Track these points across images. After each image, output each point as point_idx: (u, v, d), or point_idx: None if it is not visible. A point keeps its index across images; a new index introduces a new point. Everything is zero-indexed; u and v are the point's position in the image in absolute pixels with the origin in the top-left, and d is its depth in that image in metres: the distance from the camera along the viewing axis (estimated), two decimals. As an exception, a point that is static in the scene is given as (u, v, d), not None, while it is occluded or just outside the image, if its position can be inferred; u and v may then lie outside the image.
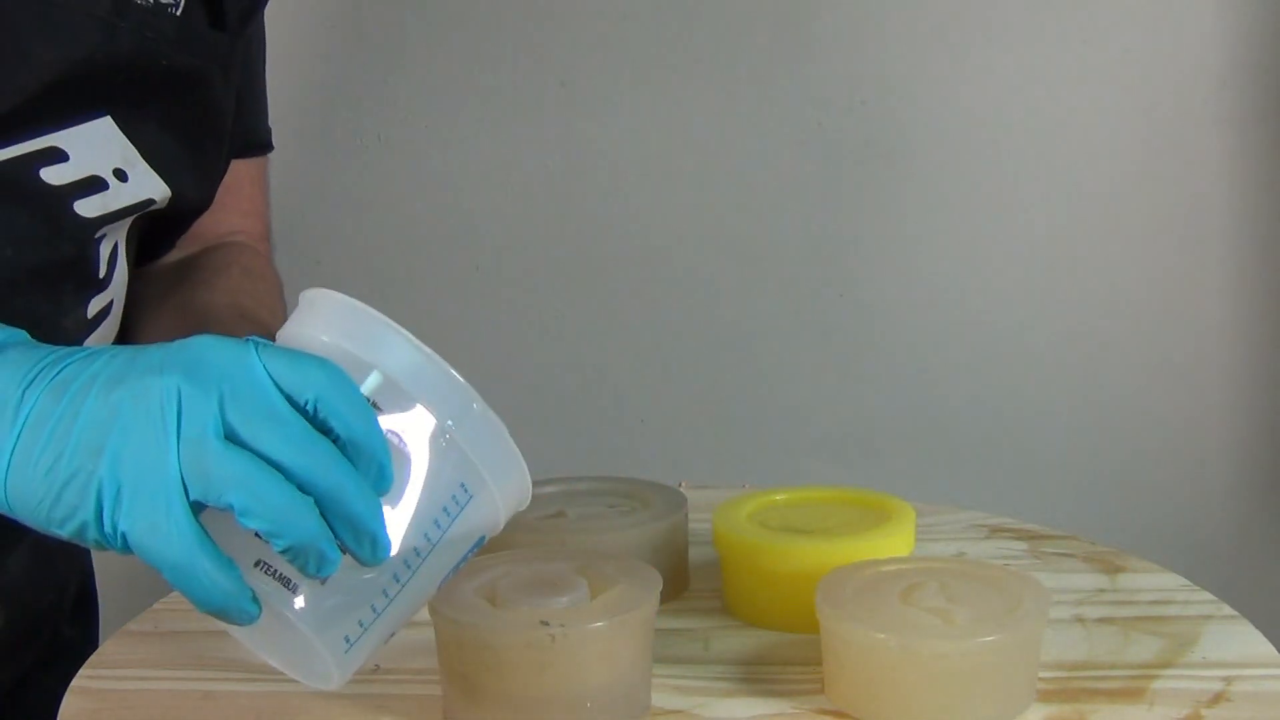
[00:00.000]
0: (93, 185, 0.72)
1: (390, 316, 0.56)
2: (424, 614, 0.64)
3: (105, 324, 0.77)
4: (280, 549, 0.50)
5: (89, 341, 0.76)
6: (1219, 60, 1.29)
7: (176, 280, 0.84)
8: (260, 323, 0.80)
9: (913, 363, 1.36)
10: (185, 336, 0.69)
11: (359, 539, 0.51)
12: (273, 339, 0.70)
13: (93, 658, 0.74)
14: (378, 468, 0.52)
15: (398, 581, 0.54)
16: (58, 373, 0.52)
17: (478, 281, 1.38)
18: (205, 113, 0.79)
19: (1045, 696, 0.67)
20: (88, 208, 0.72)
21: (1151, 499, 1.36)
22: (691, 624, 0.78)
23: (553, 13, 1.33)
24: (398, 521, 0.53)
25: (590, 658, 0.63)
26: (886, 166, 1.33)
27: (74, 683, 0.71)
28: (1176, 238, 1.33)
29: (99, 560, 0.99)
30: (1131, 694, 0.67)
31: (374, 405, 0.53)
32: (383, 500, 0.52)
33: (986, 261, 1.34)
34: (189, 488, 0.49)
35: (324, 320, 0.55)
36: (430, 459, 0.54)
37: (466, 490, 0.55)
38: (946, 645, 0.63)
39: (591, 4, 1.33)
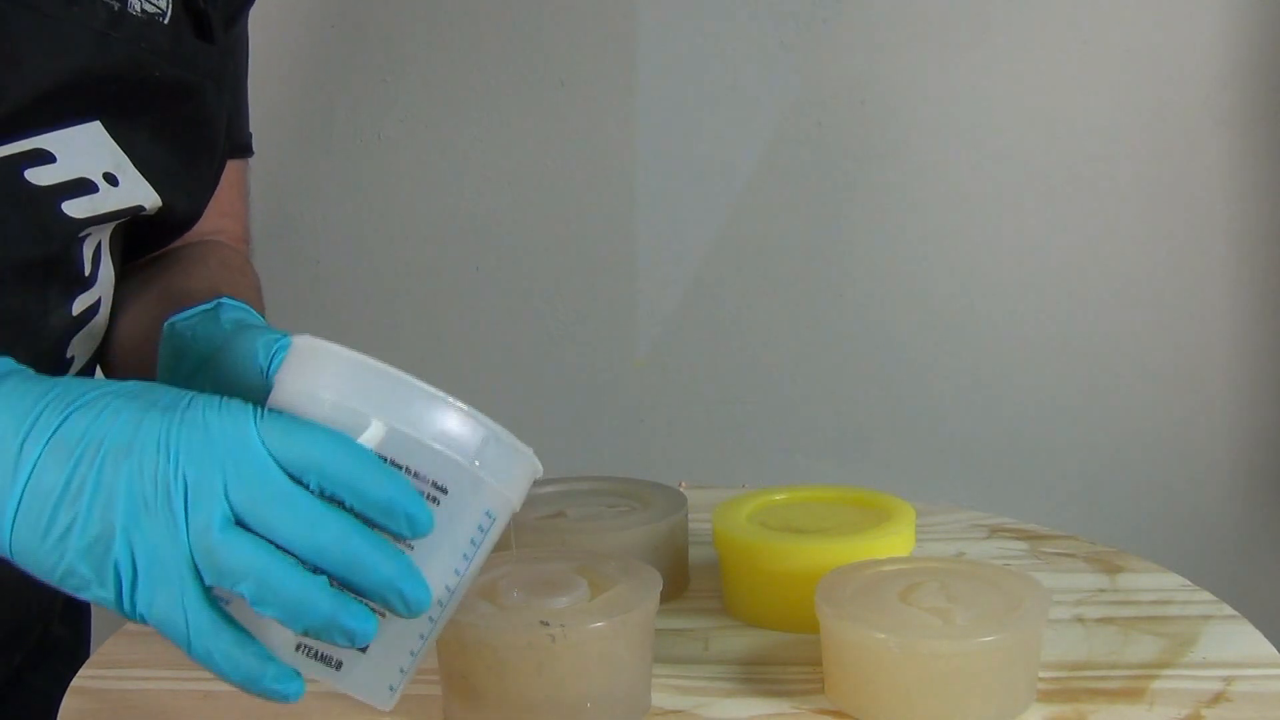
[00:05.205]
0: (81, 187, 0.72)
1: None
2: (424, 614, 0.64)
3: (93, 322, 0.77)
4: (299, 632, 0.51)
5: (77, 339, 0.76)
6: (1219, 60, 1.29)
7: (156, 271, 0.84)
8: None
9: (912, 362, 1.36)
10: (166, 318, 0.69)
11: (389, 601, 0.51)
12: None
13: (93, 657, 0.74)
14: (405, 520, 0.51)
15: (433, 622, 0.54)
16: (60, 425, 0.51)
17: (478, 281, 1.38)
18: (197, 125, 0.79)
19: (1045, 696, 0.67)
20: (76, 209, 0.72)
21: (1151, 499, 1.36)
22: (691, 624, 0.78)
23: (553, 13, 1.33)
24: (428, 563, 0.52)
25: (590, 658, 0.63)
26: (885, 165, 1.33)
27: (74, 683, 0.71)
28: (1177, 238, 1.33)
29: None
30: (1131, 694, 0.67)
31: (391, 461, 0.52)
32: (413, 544, 0.52)
33: (986, 261, 1.34)
34: (203, 574, 0.50)
35: (327, 378, 0.53)
36: (457, 498, 0.53)
37: (491, 515, 0.54)
38: (946, 645, 0.63)
39: (591, 4, 1.33)
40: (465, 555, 0.54)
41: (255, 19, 0.90)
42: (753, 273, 1.36)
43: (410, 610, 0.51)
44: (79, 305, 0.75)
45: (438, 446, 0.52)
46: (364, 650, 0.53)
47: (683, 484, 0.92)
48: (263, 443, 0.50)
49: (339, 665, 0.53)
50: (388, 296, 1.38)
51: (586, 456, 1.37)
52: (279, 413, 0.52)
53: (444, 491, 0.52)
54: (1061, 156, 1.32)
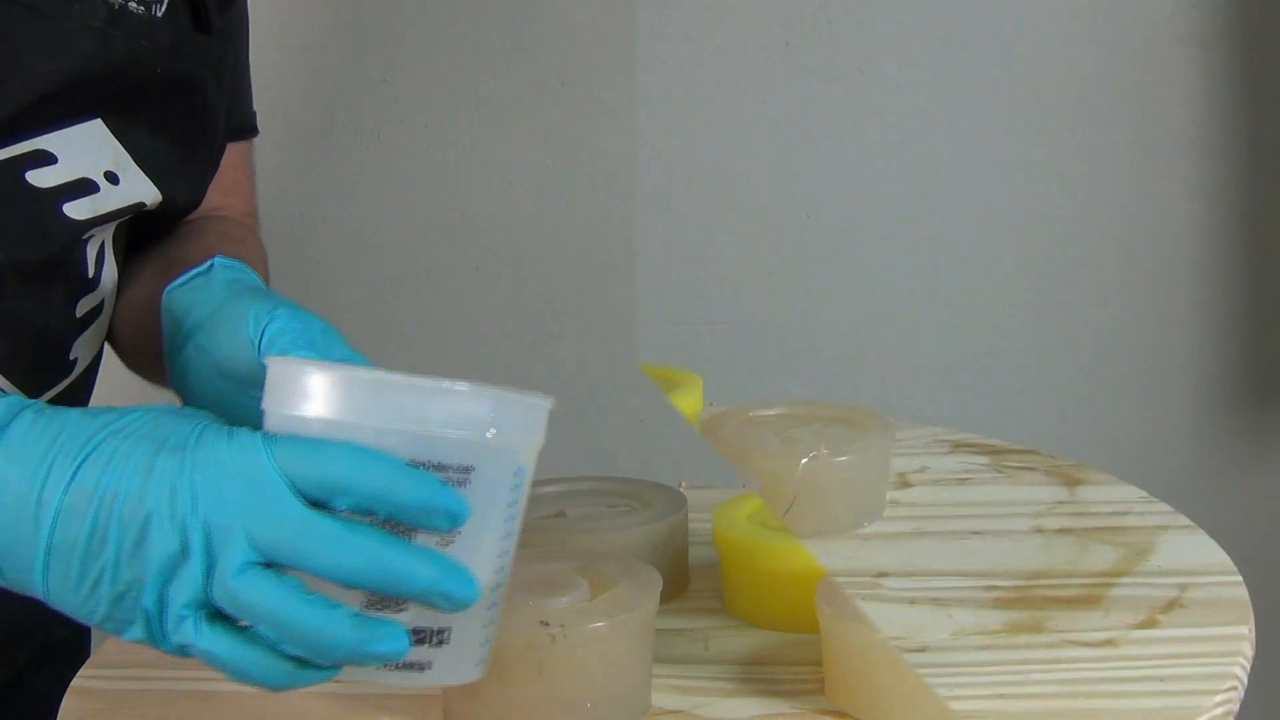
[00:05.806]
0: (83, 188, 0.72)
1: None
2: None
3: (96, 324, 0.77)
4: (326, 665, 0.51)
5: (80, 341, 0.76)
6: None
7: (155, 251, 0.84)
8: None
9: (914, 363, 1.36)
10: (163, 289, 0.68)
11: (435, 604, 0.51)
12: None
13: (93, 658, 0.74)
14: (444, 515, 0.51)
15: (499, 585, 0.55)
16: (74, 475, 0.51)
17: (478, 281, 1.38)
18: (197, 117, 0.79)
19: (1004, 604, 0.68)
20: (77, 210, 0.72)
21: (1112, 413, 1.37)
22: (691, 624, 0.78)
23: (553, 13, 1.33)
24: (476, 539, 0.53)
25: (590, 658, 0.63)
26: (889, 165, 1.33)
27: (74, 683, 0.71)
28: (1147, 151, 1.33)
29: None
30: (1088, 600, 0.68)
31: (410, 462, 0.51)
32: (459, 529, 0.52)
33: (954, 194, 1.35)
34: (229, 613, 0.50)
35: (317, 402, 0.52)
36: (484, 471, 0.53)
37: (521, 470, 0.54)
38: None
39: (591, 4, 1.33)
40: (510, 515, 0.54)
41: (256, 20, 0.90)
42: (752, 273, 1.36)
43: (458, 606, 0.51)
44: (82, 307, 0.75)
45: (450, 433, 0.52)
46: (443, 644, 0.53)
47: (683, 484, 0.92)
48: (280, 472, 0.50)
49: (424, 667, 0.53)
50: (388, 296, 1.37)
51: (586, 456, 1.36)
52: (290, 437, 0.51)
53: (470, 470, 0.52)
54: (1032, 71, 1.32)
